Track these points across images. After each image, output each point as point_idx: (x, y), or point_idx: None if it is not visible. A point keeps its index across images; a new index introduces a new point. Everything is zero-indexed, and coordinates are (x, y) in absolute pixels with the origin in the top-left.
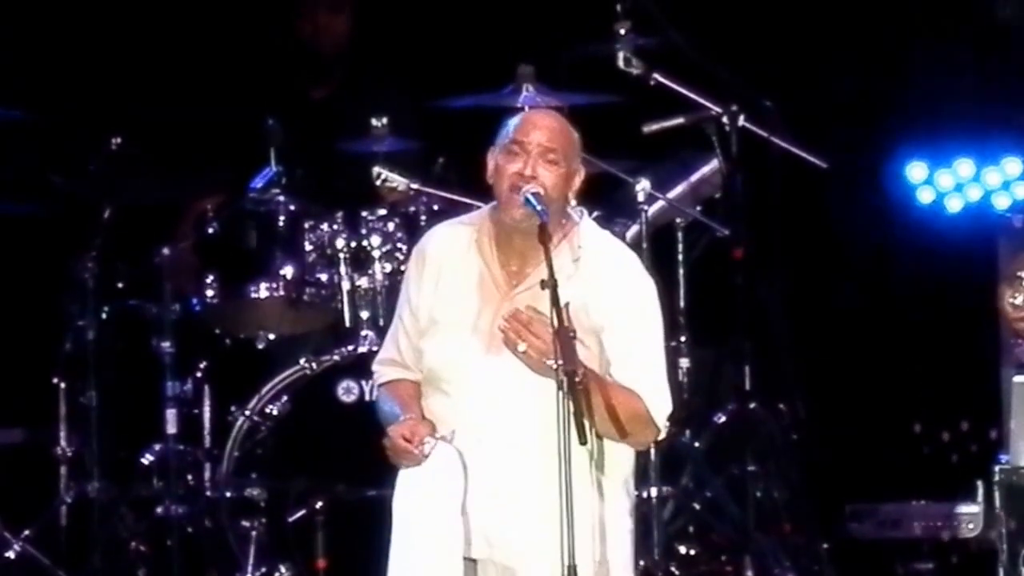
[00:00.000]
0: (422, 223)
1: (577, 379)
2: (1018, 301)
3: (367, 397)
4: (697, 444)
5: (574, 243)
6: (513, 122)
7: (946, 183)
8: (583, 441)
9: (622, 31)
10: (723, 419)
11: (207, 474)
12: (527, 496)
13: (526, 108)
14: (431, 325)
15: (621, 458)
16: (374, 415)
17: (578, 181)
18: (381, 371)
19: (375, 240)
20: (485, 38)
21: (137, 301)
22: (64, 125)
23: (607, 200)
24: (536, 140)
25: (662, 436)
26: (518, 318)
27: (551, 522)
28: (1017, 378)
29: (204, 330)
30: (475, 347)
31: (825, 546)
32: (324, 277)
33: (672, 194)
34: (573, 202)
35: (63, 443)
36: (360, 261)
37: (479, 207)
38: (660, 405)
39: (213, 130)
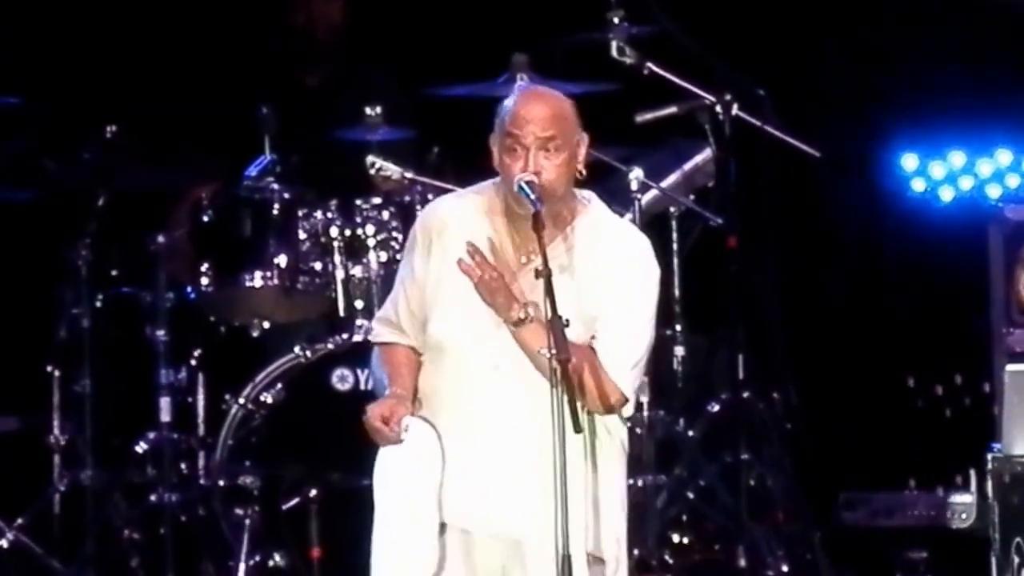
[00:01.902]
0: (416, 212)
1: (571, 360)
2: None
3: (361, 386)
4: (691, 432)
5: (586, 223)
6: (508, 109)
7: (938, 173)
8: (577, 430)
9: (616, 20)
10: (716, 407)
11: (201, 462)
12: (527, 470)
13: (517, 90)
14: (439, 295)
15: (615, 425)
16: (368, 403)
17: (583, 151)
18: (378, 330)
19: (369, 229)
20: (479, 27)
21: (131, 289)
22: (59, 112)
23: (600, 189)
24: (531, 132)
25: (631, 407)
26: (478, 252)
27: (551, 495)
28: (1009, 367)
29: (198, 318)
30: (485, 318)
31: (818, 535)
32: (318, 265)
33: (665, 183)
34: (583, 171)
35: (57, 431)
36: (354, 250)
37: None
38: (618, 360)
39: (207, 118)
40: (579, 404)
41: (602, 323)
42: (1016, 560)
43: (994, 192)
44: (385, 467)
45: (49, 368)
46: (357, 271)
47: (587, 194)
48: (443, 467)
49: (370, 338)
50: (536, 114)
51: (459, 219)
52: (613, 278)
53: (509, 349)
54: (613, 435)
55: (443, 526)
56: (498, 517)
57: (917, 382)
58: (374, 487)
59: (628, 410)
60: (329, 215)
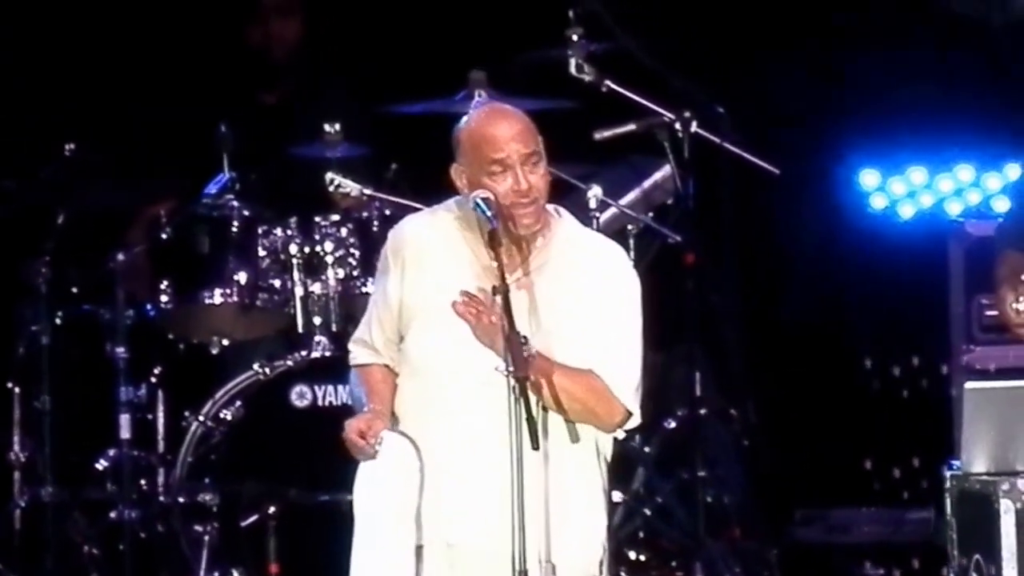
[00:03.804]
0: (375, 229)
1: (529, 377)
2: (1021, 306)
3: (320, 402)
4: (647, 449)
5: (560, 236)
6: (477, 133)
7: (899, 189)
8: (535, 446)
9: (574, 37)
10: (673, 424)
11: (160, 479)
12: (504, 484)
13: (475, 111)
14: (418, 313)
15: (604, 440)
16: (327, 420)
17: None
18: (355, 352)
19: (328, 246)
20: (438, 44)
21: (91, 306)
22: (17, 130)
23: (559, 206)
24: (515, 151)
25: (637, 419)
26: (475, 300)
27: (535, 510)
28: (968, 384)
29: (158, 335)
30: (467, 338)
31: (775, 551)
32: (277, 283)
33: (624, 200)
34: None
35: (16, 448)
36: (313, 267)
37: None
38: (622, 382)
39: (166, 135)
40: (540, 419)
41: (596, 343)
42: None
43: (955, 208)
44: (364, 483)
45: (9, 385)
46: (316, 288)
47: (555, 207)
48: (421, 482)
49: (349, 360)
50: (514, 131)
51: (432, 237)
52: (597, 294)
53: (495, 364)
54: (598, 448)
55: (426, 543)
56: (484, 531)
57: (877, 399)
58: (354, 502)
59: (634, 423)
60: (288, 232)
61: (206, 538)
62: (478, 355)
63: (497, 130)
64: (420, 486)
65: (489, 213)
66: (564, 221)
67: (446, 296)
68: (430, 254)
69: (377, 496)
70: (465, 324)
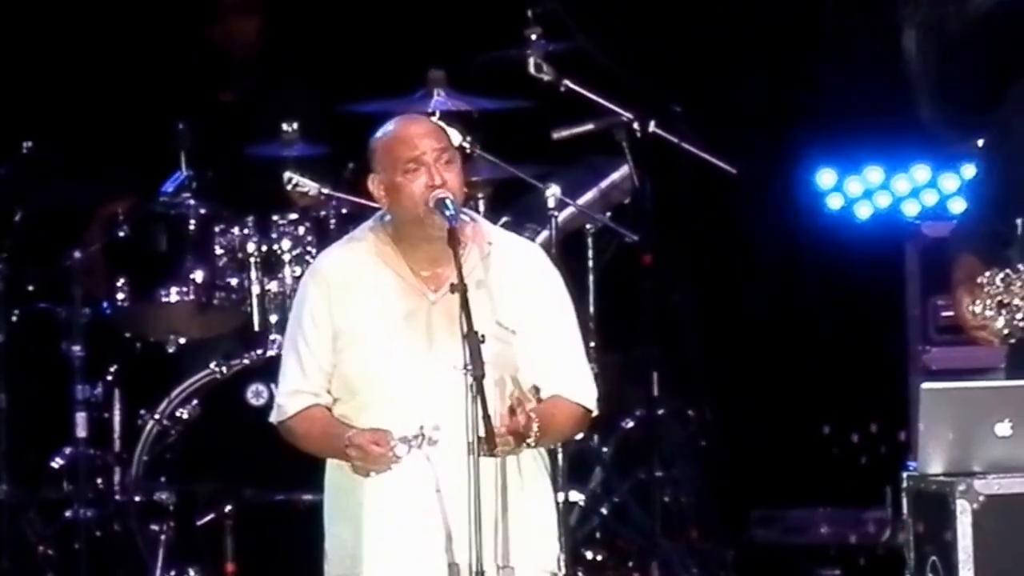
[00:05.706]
0: (332, 227)
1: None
2: (978, 309)
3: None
4: (604, 449)
5: (481, 240)
6: (388, 140)
7: (855, 189)
8: (492, 447)
9: (533, 37)
10: (631, 424)
11: (117, 478)
12: (461, 494)
13: (387, 126)
14: (353, 342)
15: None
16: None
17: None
18: (289, 403)
19: (285, 244)
20: (396, 42)
21: (47, 304)
22: None
23: (517, 206)
24: (429, 147)
25: (595, 412)
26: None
27: (490, 521)
28: (925, 385)
29: (114, 334)
30: (409, 353)
31: (731, 552)
32: (234, 281)
33: (582, 200)
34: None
35: None
36: (270, 265)
37: None
38: (587, 394)
39: (123, 133)
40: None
41: (551, 352)
42: None
43: (911, 209)
44: (377, 500)
45: None
46: (273, 286)
47: (467, 211)
48: (439, 491)
49: (279, 417)
50: (425, 130)
51: (351, 266)
52: (528, 296)
53: (439, 377)
54: (537, 452)
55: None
56: (443, 540)
57: (834, 399)
58: (365, 517)
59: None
60: (245, 231)
61: (162, 537)
62: (417, 369)
63: (409, 130)
64: (440, 499)
65: (450, 212)
66: (480, 224)
67: (377, 319)
68: (355, 283)
69: (397, 517)
70: (407, 343)
